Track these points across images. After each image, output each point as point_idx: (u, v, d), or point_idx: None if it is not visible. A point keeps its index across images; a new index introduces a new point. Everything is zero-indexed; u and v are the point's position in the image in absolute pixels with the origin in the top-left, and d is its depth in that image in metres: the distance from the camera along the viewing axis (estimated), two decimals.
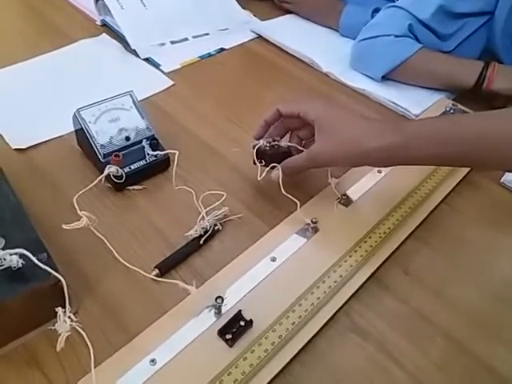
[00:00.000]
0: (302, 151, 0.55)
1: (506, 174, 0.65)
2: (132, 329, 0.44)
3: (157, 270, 0.49)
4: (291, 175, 0.56)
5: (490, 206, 0.63)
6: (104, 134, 0.57)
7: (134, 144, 0.59)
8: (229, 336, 0.42)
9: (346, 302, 0.48)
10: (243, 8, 1.02)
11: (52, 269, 0.39)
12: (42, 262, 0.38)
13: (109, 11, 0.88)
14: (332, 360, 0.44)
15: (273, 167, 0.56)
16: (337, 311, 0.47)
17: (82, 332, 0.38)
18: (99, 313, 0.46)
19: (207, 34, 0.94)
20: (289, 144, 0.57)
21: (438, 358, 0.45)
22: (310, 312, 0.45)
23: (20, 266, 0.39)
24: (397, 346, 0.46)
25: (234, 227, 0.56)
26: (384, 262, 0.53)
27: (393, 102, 0.78)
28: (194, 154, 0.64)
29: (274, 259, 0.50)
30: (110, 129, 0.57)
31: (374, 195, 0.59)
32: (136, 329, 0.43)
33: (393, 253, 0.54)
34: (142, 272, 0.47)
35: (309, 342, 0.45)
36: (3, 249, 0.38)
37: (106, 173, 0.53)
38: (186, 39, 0.92)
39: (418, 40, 0.80)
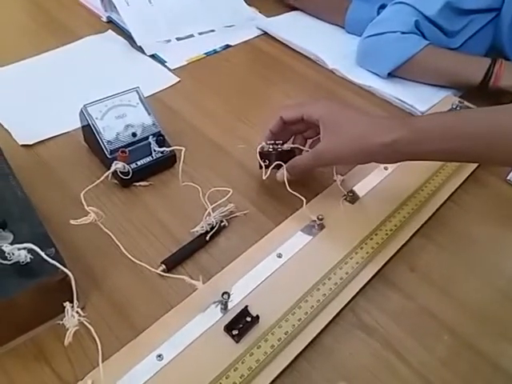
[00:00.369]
0: (306, 151, 0.55)
1: None
2: (139, 324, 0.44)
3: (163, 266, 0.49)
4: (297, 175, 0.56)
5: (497, 203, 0.62)
6: (111, 130, 0.57)
7: (140, 140, 0.59)
8: (235, 332, 0.42)
9: (352, 299, 0.48)
10: (249, 5, 1.02)
11: (60, 264, 0.39)
12: (49, 257, 0.39)
13: (115, 8, 0.88)
14: (338, 356, 0.44)
15: (278, 166, 0.56)
16: (343, 308, 0.47)
17: (89, 327, 0.38)
18: (106, 308, 0.46)
19: (213, 31, 0.94)
20: (292, 146, 0.58)
21: (443, 355, 0.45)
22: (316, 308, 0.46)
23: (28, 260, 0.39)
24: (402, 343, 0.46)
25: (240, 224, 0.56)
26: (390, 259, 0.53)
27: (399, 99, 0.78)
28: (200, 151, 0.64)
29: (280, 256, 0.50)
30: (117, 125, 0.58)
31: (381, 192, 0.58)
32: (143, 324, 0.44)
33: (399, 250, 0.54)
34: (148, 267, 0.47)
35: (315, 338, 0.45)
36: (11, 244, 0.39)
37: (112, 169, 0.54)
38: (192, 36, 0.92)
39: (424, 37, 0.80)
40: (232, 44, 0.91)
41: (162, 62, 0.83)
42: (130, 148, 0.57)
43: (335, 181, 0.58)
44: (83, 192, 0.48)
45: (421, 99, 0.78)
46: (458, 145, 0.47)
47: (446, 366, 0.44)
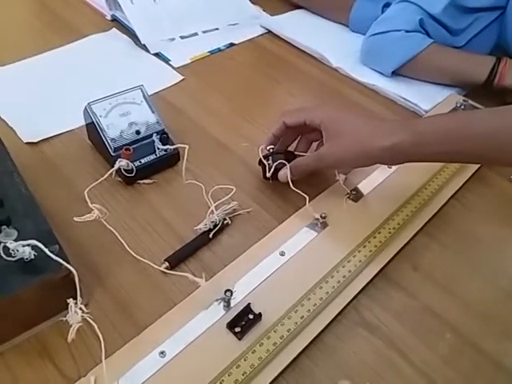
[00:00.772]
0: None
1: None
2: (142, 321, 0.44)
3: (166, 263, 0.49)
4: (299, 176, 0.56)
5: (501, 202, 0.62)
6: (115, 127, 0.57)
7: (144, 138, 0.59)
8: (238, 329, 0.42)
9: (354, 297, 0.48)
10: (253, 3, 1.02)
11: (63, 260, 0.39)
12: (53, 254, 0.39)
13: (119, 6, 0.88)
14: (340, 354, 0.45)
15: (280, 164, 0.56)
16: (345, 306, 0.47)
17: (92, 323, 0.39)
18: (109, 305, 0.46)
19: (217, 29, 0.94)
20: (296, 153, 0.58)
21: (446, 354, 0.45)
22: (318, 306, 0.46)
23: (32, 257, 0.39)
24: (405, 342, 0.46)
25: (243, 221, 0.56)
26: (393, 258, 0.53)
27: (403, 98, 0.78)
28: (204, 149, 0.64)
29: (282, 254, 0.50)
30: (121, 123, 0.58)
31: (384, 190, 0.58)
32: (146, 321, 0.44)
33: (402, 248, 0.54)
34: (151, 264, 0.48)
35: (317, 336, 0.45)
36: (16, 240, 0.39)
37: (116, 166, 0.54)
38: (196, 34, 0.92)
39: (428, 35, 0.79)
40: (236, 42, 0.91)
41: (166, 61, 0.83)
42: (133, 146, 0.57)
43: (338, 179, 0.58)
44: (87, 189, 0.49)
45: (425, 98, 0.77)
46: (462, 146, 0.47)
47: (449, 364, 0.44)
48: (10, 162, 0.49)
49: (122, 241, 0.49)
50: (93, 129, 0.58)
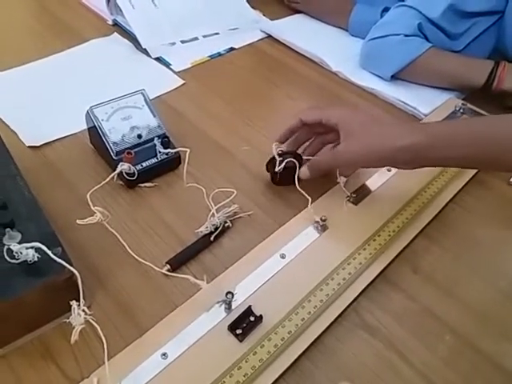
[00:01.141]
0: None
1: None
2: (143, 323, 0.45)
3: (168, 266, 0.49)
4: (315, 174, 0.57)
5: (500, 205, 0.63)
6: (116, 131, 0.58)
7: (145, 142, 0.59)
8: (239, 331, 0.42)
9: (355, 299, 0.49)
10: (253, 8, 1.02)
11: (66, 263, 0.40)
12: (56, 256, 0.39)
13: (120, 11, 0.89)
14: (341, 356, 0.45)
15: (289, 162, 0.57)
16: (346, 308, 0.48)
17: (95, 325, 0.39)
18: (111, 307, 0.46)
19: (217, 34, 0.95)
20: (305, 157, 0.59)
21: (445, 355, 0.46)
22: (319, 308, 0.46)
23: (36, 259, 0.39)
24: (405, 343, 0.46)
25: (243, 224, 0.56)
26: (393, 260, 0.53)
27: (402, 101, 0.78)
28: (205, 152, 0.65)
29: (283, 256, 0.50)
30: (123, 127, 0.58)
31: (384, 194, 0.59)
32: (147, 323, 0.44)
33: (402, 251, 0.54)
34: (153, 267, 0.48)
35: (318, 338, 0.45)
36: (19, 243, 0.39)
37: (118, 170, 0.54)
38: (197, 39, 0.92)
39: (427, 39, 0.80)
40: (236, 47, 0.92)
41: (167, 65, 0.84)
42: (135, 149, 0.58)
43: (338, 182, 0.59)
44: (89, 193, 0.49)
45: (424, 101, 0.78)
46: (480, 150, 0.47)
47: (448, 365, 0.45)
48: (13, 165, 0.50)
49: (124, 243, 0.49)
50: (95, 133, 0.58)
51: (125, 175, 0.56)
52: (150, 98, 0.62)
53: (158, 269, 0.48)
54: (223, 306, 0.45)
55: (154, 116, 0.61)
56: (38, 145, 0.64)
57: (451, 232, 0.58)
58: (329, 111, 0.56)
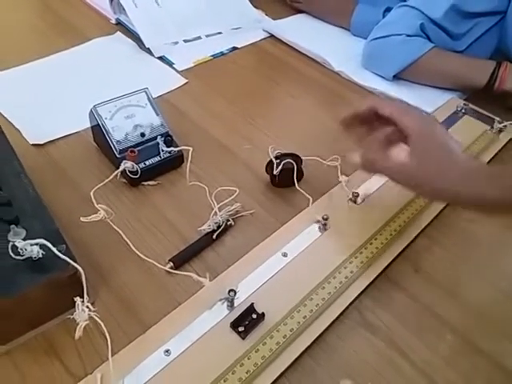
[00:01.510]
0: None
1: None
2: (146, 320, 0.45)
3: (171, 263, 0.50)
4: (367, 171, 0.50)
5: None
6: (120, 130, 0.58)
7: (148, 140, 0.60)
8: (241, 328, 0.43)
9: (356, 298, 0.49)
10: (255, 7, 1.03)
11: (71, 259, 0.40)
12: (61, 253, 0.39)
13: (123, 10, 0.89)
14: (342, 354, 0.45)
15: (288, 164, 0.57)
16: (347, 306, 0.48)
17: (99, 321, 0.39)
18: (115, 304, 0.47)
19: (220, 33, 0.95)
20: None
21: (446, 354, 0.46)
22: (321, 306, 0.46)
23: (40, 256, 0.40)
24: (406, 342, 0.46)
25: (246, 223, 0.57)
26: (394, 260, 0.53)
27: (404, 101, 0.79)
28: (207, 151, 0.65)
29: (285, 255, 0.51)
30: (126, 125, 0.59)
31: (385, 193, 0.59)
32: (150, 320, 0.45)
33: (403, 250, 0.54)
34: (156, 264, 0.48)
35: (319, 336, 0.45)
36: (24, 239, 0.40)
37: (121, 168, 0.55)
38: (199, 38, 0.93)
39: (429, 39, 0.80)
40: (239, 46, 0.92)
41: (170, 64, 0.84)
42: (138, 148, 0.58)
43: (340, 181, 0.59)
44: (93, 191, 0.49)
45: (426, 101, 0.78)
46: None
47: (449, 364, 0.45)
48: (18, 163, 0.50)
49: (128, 241, 0.49)
50: (98, 131, 0.59)
51: (128, 173, 0.56)
52: (153, 96, 0.62)
53: (161, 266, 0.49)
54: (226, 303, 0.45)
55: (157, 115, 0.61)
56: (41, 143, 0.64)
57: (452, 232, 0.58)
58: (407, 119, 0.47)
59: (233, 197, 0.56)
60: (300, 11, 1.06)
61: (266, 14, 1.04)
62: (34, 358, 0.43)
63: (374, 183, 0.60)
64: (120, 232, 0.49)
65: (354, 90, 0.83)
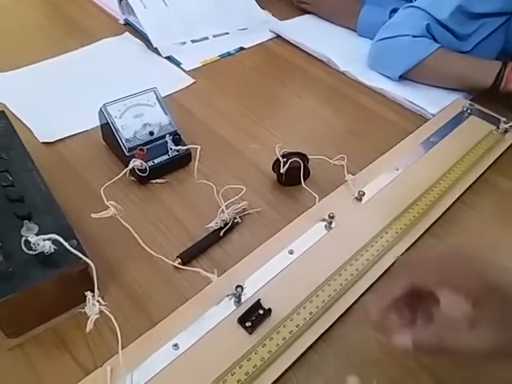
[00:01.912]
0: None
1: None
2: (155, 315, 0.46)
3: (179, 260, 0.50)
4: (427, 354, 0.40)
5: (506, 204, 0.63)
6: (129, 128, 0.59)
7: (157, 139, 0.61)
8: (248, 324, 0.43)
9: (362, 295, 0.49)
10: (262, 8, 1.04)
11: (82, 254, 0.41)
12: (72, 248, 0.40)
13: (132, 11, 0.90)
14: (348, 350, 0.46)
15: (294, 162, 0.58)
16: (353, 303, 0.48)
17: (109, 315, 0.40)
18: (123, 299, 0.48)
19: (227, 34, 0.96)
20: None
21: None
22: (326, 303, 0.47)
23: (52, 251, 0.40)
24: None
25: (252, 221, 0.57)
26: None
27: (410, 101, 0.79)
28: (214, 150, 0.66)
29: (291, 252, 0.51)
30: (135, 124, 0.60)
31: (391, 192, 0.60)
32: (159, 315, 0.45)
33: (408, 249, 0.55)
34: (165, 259, 0.49)
35: (325, 331, 0.46)
36: (37, 235, 0.40)
37: (131, 166, 0.55)
38: (207, 38, 0.94)
39: (435, 40, 0.81)
40: (246, 46, 0.93)
41: (178, 64, 0.85)
42: (147, 146, 0.59)
43: (346, 180, 0.59)
44: (103, 188, 0.50)
45: (432, 102, 0.78)
46: None
47: (453, 361, 0.45)
48: (30, 160, 0.51)
49: (137, 237, 0.50)
50: (108, 129, 0.60)
51: (137, 171, 0.57)
52: (161, 96, 0.63)
53: (169, 262, 0.49)
54: (233, 299, 0.46)
55: (166, 114, 0.62)
56: (51, 141, 0.65)
57: (457, 230, 0.58)
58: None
59: (240, 195, 0.57)
60: (306, 12, 1.07)
61: (273, 15, 1.05)
62: (45, 350, 0.43)
63: (380, 182, 0.61)
64: (130, 228, 0.49)
65: (360, 90, 0.83)
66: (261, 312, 0.44)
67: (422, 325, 0.36)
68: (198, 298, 0.47)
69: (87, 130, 0.68)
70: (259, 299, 0.45)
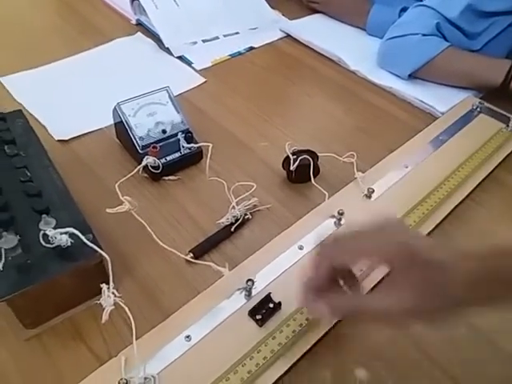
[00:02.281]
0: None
1: None
2: (167, 308, 0.47)
3: (191, 254, 0.51)
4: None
5: None
6: (142, 126, 0.60)
7: (169, 137, 0.62)
8: (259, 316, 0.44)
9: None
10: (272, 8, 1.04)
11: (97, 248, 0.42)
12: (88, 242, 0.42)
13: (144, 11, 0.91)
14: (356, 344, 0.46)
15: (304, 160, 0.59)
16: None
17: (124, 306, 0.41)
18: (137, 292, 0.49)
19: (237, 33, 0.97)
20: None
21: (460, 347, 0.46)
22: None
23: (69, 244, 0.42)
24: (420, 332, 0.47)
25: (263, 217, 0.58)
26: None
27: (419, 100, 0.79)
28: (225, 148, 0.67)
29: (301, 247, 0.52)
30: (148, 122, 0.61)
31: (400, 189, 0.60)
32: (171, 307, 0.47)
33: None
34: (177, 253, 0.50)
35: (334, 325, 0.46)
36: (54, 228, 0.42)
37: (144, 163, 0.57)
38: (217, 38, 0.95)
39: (445, 39, 0.81)
40: (256, 46, 0.94)
41: (189, 63, 0.87)
42: (160, 144, 0.60)
43: (356, 177, 0.60)
44: (117, 184, 0.52)
45: (441, 100, 0.79)
46: None
47: (464, 356, 0.46)
48: (46, 157, 0.53)
49: (151, 231, 0.51)
50: (121, 127, 0.61)
51: (150, 168, 0.58)
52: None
53: (182, 256, 0.50)
54: (244, 292, 0.47)
55: (178, 112, 0.63)
56: (66, 139, 0.67)
57: (466, 227, 0.59)
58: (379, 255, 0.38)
59: (250, 192, 0.58)
60: (316, 11, 1.07)
61: (283, 15, 1.06)
62: (61, 341, 0.45)
63: (389, 180, 0.61)
64: (144, 223, 0.51)
65: (370, 88, 0.84)
66: (271, 305, 0.45)
67: (338, 293, 0.40)
68: (209, 291, 0.48)
69: (101, 128, 0.69)
70: (269, 293, 0.46)
